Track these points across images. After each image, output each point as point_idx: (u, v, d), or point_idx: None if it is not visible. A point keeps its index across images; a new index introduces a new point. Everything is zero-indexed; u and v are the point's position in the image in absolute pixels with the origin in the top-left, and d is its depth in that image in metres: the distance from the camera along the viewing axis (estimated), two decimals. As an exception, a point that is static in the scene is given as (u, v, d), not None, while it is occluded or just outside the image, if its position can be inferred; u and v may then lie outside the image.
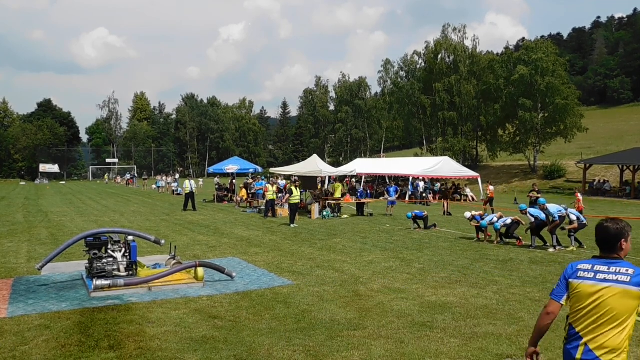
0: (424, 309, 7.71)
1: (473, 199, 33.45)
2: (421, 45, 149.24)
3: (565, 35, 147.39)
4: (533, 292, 8.70)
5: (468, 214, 15.58)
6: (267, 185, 24.30)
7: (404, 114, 62.84)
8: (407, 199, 31.66)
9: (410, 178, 33.09)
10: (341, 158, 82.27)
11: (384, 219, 21.26)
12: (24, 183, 69.60)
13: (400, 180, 36.63)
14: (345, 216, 22.28)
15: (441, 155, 43.07)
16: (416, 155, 56.64)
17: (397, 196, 24.62)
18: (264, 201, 23.22)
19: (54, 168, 79.33)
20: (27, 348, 6.07)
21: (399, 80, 68.98)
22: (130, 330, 6.71)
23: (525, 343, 6.18)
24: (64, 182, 72.73)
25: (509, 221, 14.47)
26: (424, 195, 31.82)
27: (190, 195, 24.94)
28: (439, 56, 58.00)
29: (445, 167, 33.39)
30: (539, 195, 19.94)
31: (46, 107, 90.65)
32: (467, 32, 59.09)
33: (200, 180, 55.73)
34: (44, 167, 77.62)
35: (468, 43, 57.84)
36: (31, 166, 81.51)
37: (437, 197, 31.25)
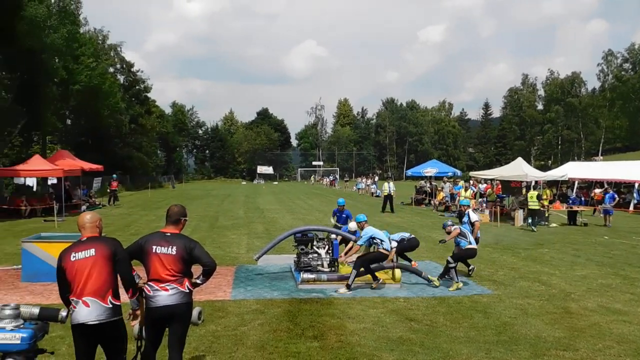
0: (652, 336, 6.67)
1: None
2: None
3: None
4: None
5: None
6: (461, 189, 23.65)
7: (629, 112, 54.98)
8: (631, 208, 27.66)
9: (636, 185, 28.84)
10: (550, 161, 75.66)
11: (600, 230, 18.92)
12: (244, 183, 78.89)
13: (623, 187, 32.15)
14: (554, 225, 20.39)
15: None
16: (643, 158, 49.12)
17: (614, 204, 21.62)
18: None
19: (269, 170, 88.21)
20: (246, 329, 6.88)
21: (623, 73, 60.62)
22: (332, 323, 7.13)
23: None
24: (276, 183, 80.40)
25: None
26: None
27: (388, 197, 25.44)
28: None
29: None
30: None
31: (264, 115, 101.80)
32: None
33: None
34: (261, 169, 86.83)
35: None
36: (250, 168, 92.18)
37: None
